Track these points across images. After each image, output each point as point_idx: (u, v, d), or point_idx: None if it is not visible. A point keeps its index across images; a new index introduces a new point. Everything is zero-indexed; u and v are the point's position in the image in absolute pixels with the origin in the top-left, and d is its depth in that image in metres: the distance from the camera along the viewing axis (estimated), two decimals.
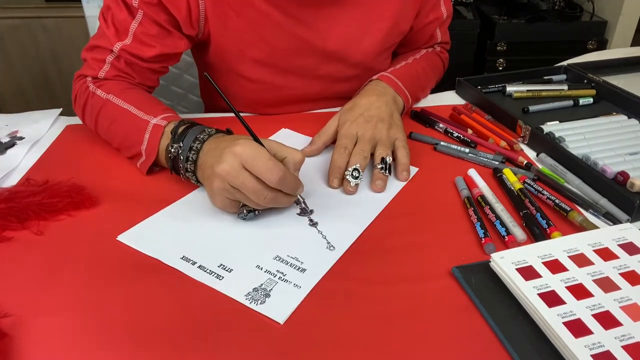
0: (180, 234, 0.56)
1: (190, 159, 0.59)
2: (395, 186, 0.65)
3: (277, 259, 0.53)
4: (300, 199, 0.60)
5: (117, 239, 0.55)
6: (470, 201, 0.60)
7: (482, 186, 0.63)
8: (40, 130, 0.78)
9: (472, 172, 0.66)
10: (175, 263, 0.52)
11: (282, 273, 0.51)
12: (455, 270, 0.51)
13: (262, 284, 0.50)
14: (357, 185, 0.64)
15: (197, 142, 0.59)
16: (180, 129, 0.61)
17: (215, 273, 0.51)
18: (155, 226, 0.58)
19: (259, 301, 0.48)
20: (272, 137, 0.76)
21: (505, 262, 0.49)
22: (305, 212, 0.60)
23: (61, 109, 0.83)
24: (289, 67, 0.79)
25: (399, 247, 0.55)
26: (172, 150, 0.60)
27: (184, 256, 0.53)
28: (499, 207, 0.59)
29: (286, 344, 0.44)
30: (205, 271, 0.51)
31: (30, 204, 0.58)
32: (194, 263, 0.52)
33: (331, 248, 0.55)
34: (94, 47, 0.72)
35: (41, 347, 0.43)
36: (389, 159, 0.66)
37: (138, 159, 0.66)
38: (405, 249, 0.54)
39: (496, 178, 0.66)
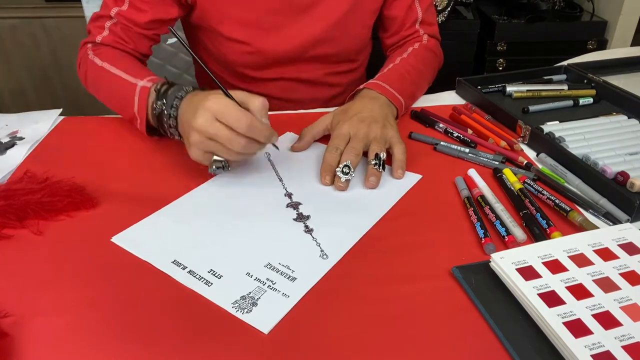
0: (174, 237, 0.56)
1: (171, 115, 0.64)
2: (395, 193, 0.63)
3: (268, 266, 0.52)
4: (273, 146, 0.63)
5: (111, 240, 0.55)
6: (470, 201, 0.60)
7: (482, 186, 0.63)
8: (40, 130, 0.78)
9: (472, 172, 0.66)
10: (166, 267, 0.51)
11: (272, 281, 0.50)
12: (455, 270, 0.51)
13: (250, 292, 0.49)
14: (347, 181, 0.64)
15: (176, 100, 0.64)
16: (163, 88, 0.66)
17: (204, 279, 0.50)
18: (150, 228, 0.57)
19: (245, 310, 0.47)
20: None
21: (505, 262, 0.49)
22: (301, 217, 0.59)
23: (61, 109, 0.83)
24: (271, 26, 0.83)
25: (399, 247, 0.55)
26: (157, 107, 0.66)
27: (175, 260, 0.52)
28: (499, 207, 0.59)
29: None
30: (194, 276, 0.50)
31: (30, 201, 0.58)
32: (184, 268, 0.51)
33: (324, 257, 0.53)
34: (96, 17, 0.79)
35: (41, 347, 0.43)
36: (382, 155, 0.66)
37: (135, 121, 0.71)
38: (405, 249, 0.54)
39: (496, 178, 0.66)
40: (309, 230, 0.57)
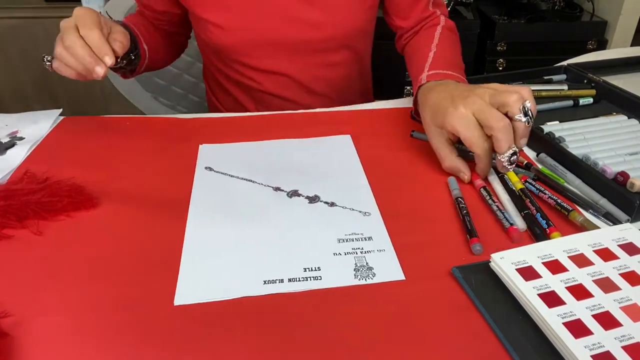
0: (235, 266, 0.51)
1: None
2: (350, 160, 0.67)
3: (343, 240, 0.53)
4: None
5: (175, 304, 0.47)
6: (459, 201, 0.60)
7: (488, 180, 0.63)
8: (40, 130, 0.78)
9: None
10: (262, 290, 0.48)
11: (359, 248, 0.52)
12: (455, 270, 0.51)
13: (356, 264, 0.50)
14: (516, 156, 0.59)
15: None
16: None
17: (310, 277, 0.49)
18: (203, 272, 0.50)
19: (368, 276, 0.49)
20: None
21: (505, 263, 0.49)
22: (314, 199, 0.58)
23: (61, 109, 0.83)
24: (258, 9, 0.81)
25: (398, 247, 0.54)
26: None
27: (265, 281, 0.49)
28: (505, 198, 0.60)
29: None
30: (298, 281, 0.49)
31: (29, 201, 0.58)
32: (281, 280, 0.49)
33: (367, 214, 0.56)
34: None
35: (41, 347, 0.43)
36: (528, 104, 0.57)
37: None
38: (404, 249, 0.54)
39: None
40: (332, 204, 0.58)
